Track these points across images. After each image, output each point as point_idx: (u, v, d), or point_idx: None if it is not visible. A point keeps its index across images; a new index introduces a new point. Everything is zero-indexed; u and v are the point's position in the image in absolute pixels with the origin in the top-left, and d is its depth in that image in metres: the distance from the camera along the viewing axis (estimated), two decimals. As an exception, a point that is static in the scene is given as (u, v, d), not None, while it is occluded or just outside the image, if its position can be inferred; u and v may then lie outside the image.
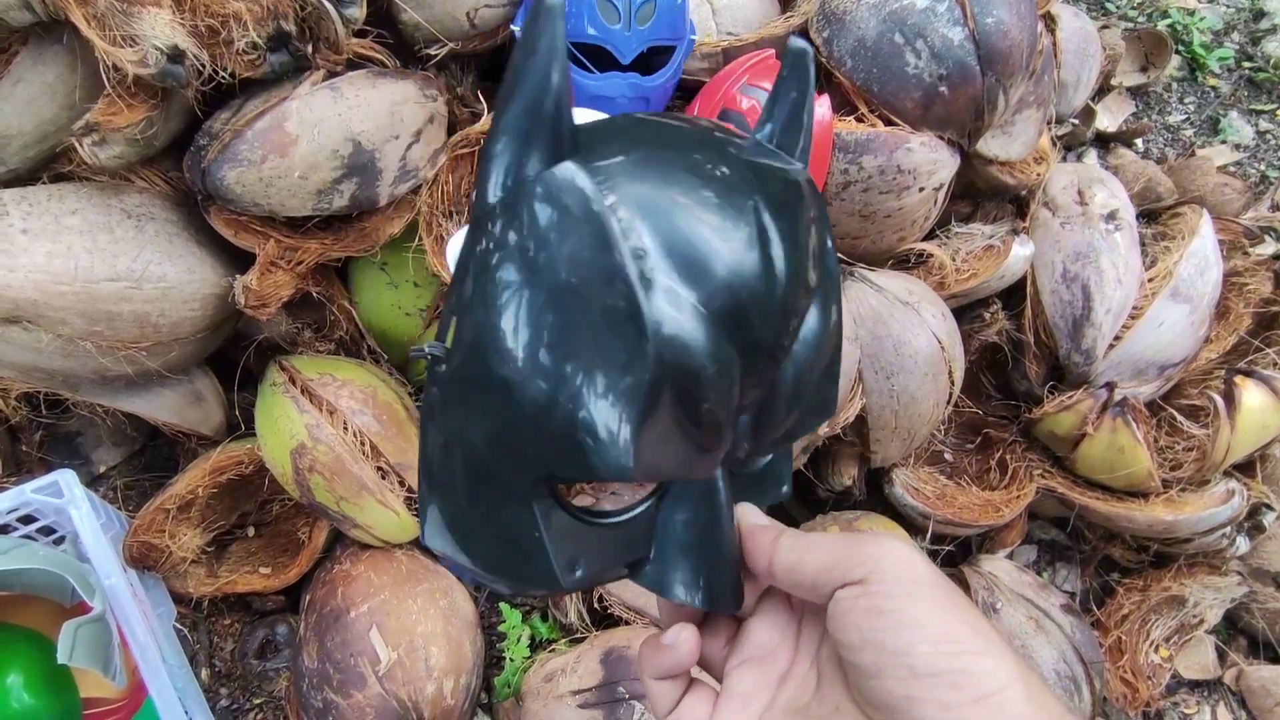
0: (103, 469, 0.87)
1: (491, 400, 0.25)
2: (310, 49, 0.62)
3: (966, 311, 0.91)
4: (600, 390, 0.24)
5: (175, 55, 0.55)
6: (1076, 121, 1.30)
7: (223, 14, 0.59)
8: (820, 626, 0.32)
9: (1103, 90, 1.39)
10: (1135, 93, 1.45)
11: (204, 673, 0.81)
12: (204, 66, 0.58)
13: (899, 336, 0.77)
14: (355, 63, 0.66)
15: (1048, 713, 0.26)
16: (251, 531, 0.85)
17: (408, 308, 0.82)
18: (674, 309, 0.24)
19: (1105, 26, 1.37)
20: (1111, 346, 0.87)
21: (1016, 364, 0.93)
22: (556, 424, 0.24)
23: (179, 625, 0.81)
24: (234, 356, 0.82)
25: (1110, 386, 0.85)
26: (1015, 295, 0.92)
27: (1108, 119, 1.41)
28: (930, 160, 0.77)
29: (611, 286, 0.23)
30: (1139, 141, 1.39)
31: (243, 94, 0.64)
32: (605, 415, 0.23)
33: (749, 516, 0.32)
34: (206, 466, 0.75)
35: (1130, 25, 1.48)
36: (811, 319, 0.28)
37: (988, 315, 0.90)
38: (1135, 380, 0.88)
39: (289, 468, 0.71)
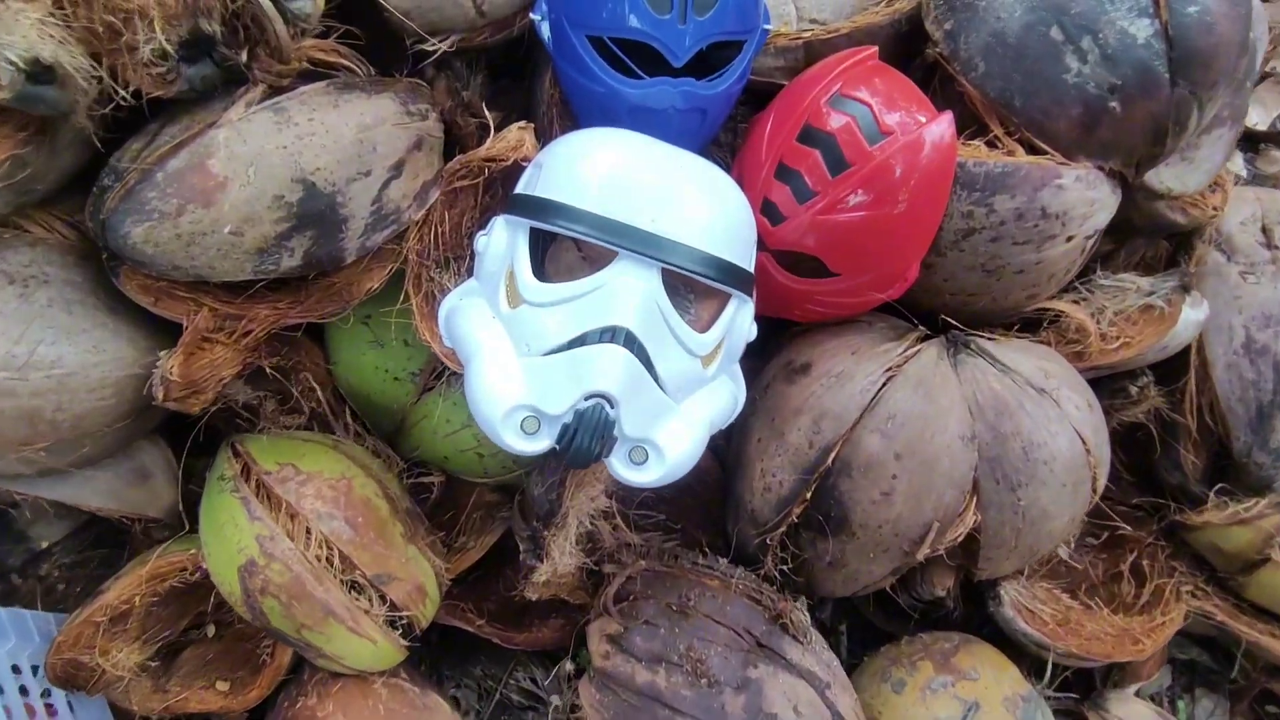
0: (45, 544, 0.74)
1: None
2: (245, 56, 0.45)
3: (1106, 382, 0.71)
4: None
5: (40, 73, 0.39)
6: (1224, 121, 1.07)
7: (125, 9, 0.43)
8: None
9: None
10: (1296, 84, 1.19)
11: (152, 802, 0.68)
12: (90, 82, 0.41)
13: (1030, 435, 0.58)
14: (314, 72, 0.49)
15: None
16: (211, 630, 0.71)
17: (396, 371, 0.65)
18: None
19: None
20: (1308, 442, 0.66)
21: (1167, 450, 0.73)
22: None
23: (123, 744, 0.68)
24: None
25: (1308, 499, 0.64)
26: (1172, 362, 0.71)
27: (1258, 114, 1.16)
28: (1086, 201, 0.57)
29: None
30: (1299, 145, 1.14)
31: (162, 116, 0.48)
32: None
33: None
34: (143, 573, 0.61)
35: (1293, 0, 1.22)
36: None
37: (1135, 390, 0.70)
38: (1334, 485, 0.68)
39: (237, 588, 0.57)
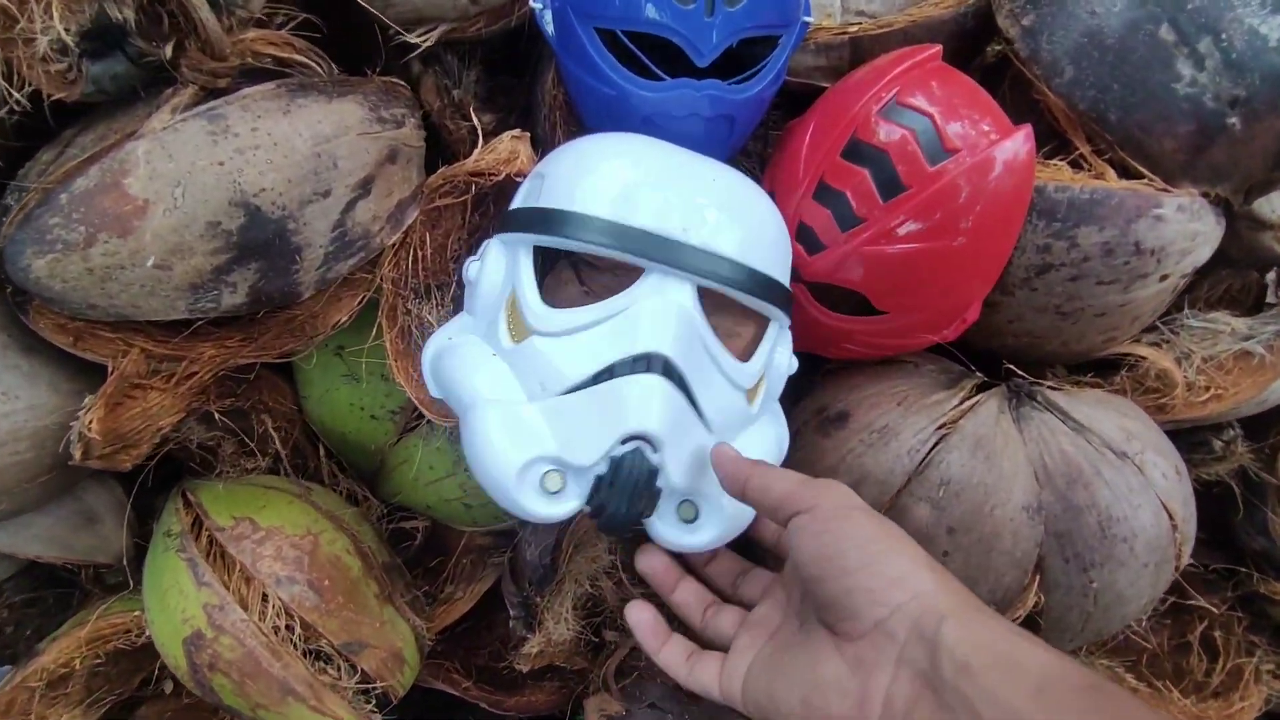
0: (-7, 583, 0.67)
1: None
2: (169, 51, 0.36)
3: (1185, 435, 0.62)
4: None
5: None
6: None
7: (20, -10, 0.34)
8: (796, 586, 0.42)
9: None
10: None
11: None
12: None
13: (1107, 509, 0.49)
14: (262, 71, 0.41)
15: (946, 583, 0.35)
16: (169, 687, 0.64)
17: (374, 409, 0.58)
18: None
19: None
20: None
21: (1251, 512, 0.64)
22: None
23: (70, 811, 0.61)
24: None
25: None
26: (1265, 415, 0.62)
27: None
28: (1188, 234, 0.48)
29: None
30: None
31: (80, 122, 0.40)
32: None
33: (726, 450, 0.41)
34: (82, 635, 0.54)
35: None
36: None
37: (1219, 445, 0.61)
38: None
39: (183, 661, 0.49)
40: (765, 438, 0.47)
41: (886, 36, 0.53)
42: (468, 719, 0.69)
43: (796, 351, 0.53)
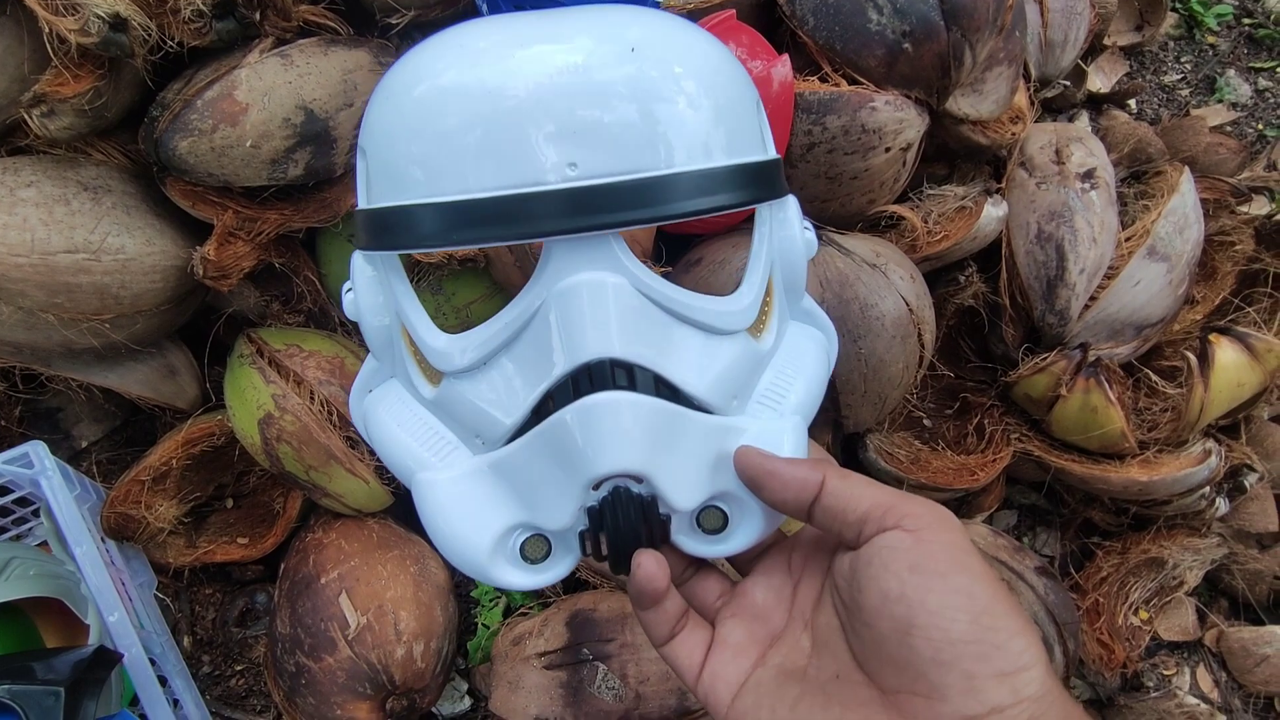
0: (84, 444, 0.88)
1: None
2: (258, 16, 0.62)
3: (942, 275, 0.90)
4: None
5: (117, 23, 0.55)
6: (1067, 83, 1.28)
7: (169, -19, 0.59)
8: (815, 592, 0.33)
9: (1095, 50, 1.36)
10: (1129, 52, 1.41)
11: (186, 640, 0.83)
12: (149, 34, 0.58)
13: (865, 299, 0.77)
14: (307, 30, 0.66)
15: (1056, 699, 0.27)
16: (230, 503, 0.86)
17: (376, 279, 0.82)
18: None
19: (1097, -16, 1.34)
20: (1087, 307, 0.86)
21: (993, 327, 0.92)
22: None
23: (160, 595, 0.83)
24: (205, 329, 0.82)
25: (1084, 348, 0.84)
26: (992, 257, 0.91)
27: (1100, 79, 1.38)
28: (896, 119, 0.76)
29: None
30: (1132, 102, 1.37)
31: (194, 64, 0.64)
32: None
33: (766, 462, 0.33)
34: (179, 438, 0.76)
35: (1124, -18, 1.44)
36: None
37: (963, 278, 0.89)
38: (1112, 341, 0.87)
39: (258, 438, 0.72)
40: (799, 363, 0.37)
41: (710, 7, 0.81)
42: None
43: (666, 234, 0.79)
